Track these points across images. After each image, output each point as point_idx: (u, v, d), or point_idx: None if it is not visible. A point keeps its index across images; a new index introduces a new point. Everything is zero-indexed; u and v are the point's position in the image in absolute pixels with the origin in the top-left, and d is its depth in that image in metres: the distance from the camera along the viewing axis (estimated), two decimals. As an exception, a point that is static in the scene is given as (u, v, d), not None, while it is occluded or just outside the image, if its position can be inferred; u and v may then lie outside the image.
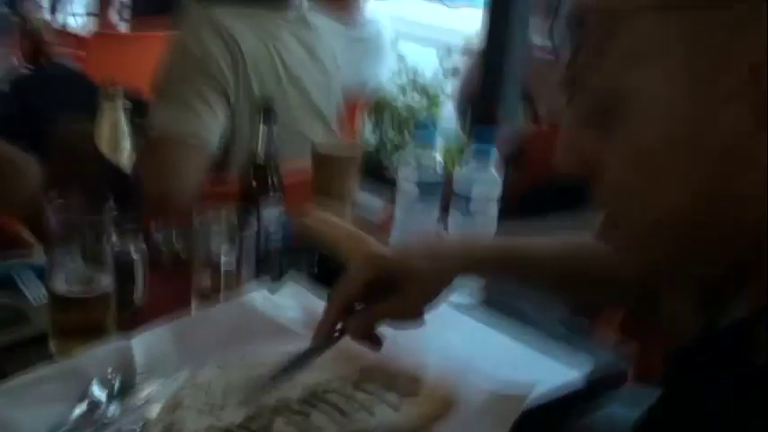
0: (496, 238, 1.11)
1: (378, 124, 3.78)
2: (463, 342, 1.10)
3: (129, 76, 1.43)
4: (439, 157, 1.30)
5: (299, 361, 0.90)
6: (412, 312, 0.92)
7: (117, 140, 1.02)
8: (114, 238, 0.95)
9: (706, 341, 0.59)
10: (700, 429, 0.56)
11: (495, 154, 1.26)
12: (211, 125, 1.44)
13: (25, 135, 1.40)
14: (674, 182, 0.55)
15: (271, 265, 1.16)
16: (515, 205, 1.32)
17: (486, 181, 1.25)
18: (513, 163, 2.05)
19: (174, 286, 1.07)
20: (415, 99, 3.91)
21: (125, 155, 1.03)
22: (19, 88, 2.08)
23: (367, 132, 3.59)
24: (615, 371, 1.09)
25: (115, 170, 1.02)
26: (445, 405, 0.92)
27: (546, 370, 1.05)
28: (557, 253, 0.97)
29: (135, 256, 0.96)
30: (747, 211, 0.53)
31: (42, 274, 1.10)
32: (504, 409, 0.89)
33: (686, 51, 0.53)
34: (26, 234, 1.34)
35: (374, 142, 3.77)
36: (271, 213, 1.19)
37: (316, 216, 1.34)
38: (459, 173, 1.26)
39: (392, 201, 1.35)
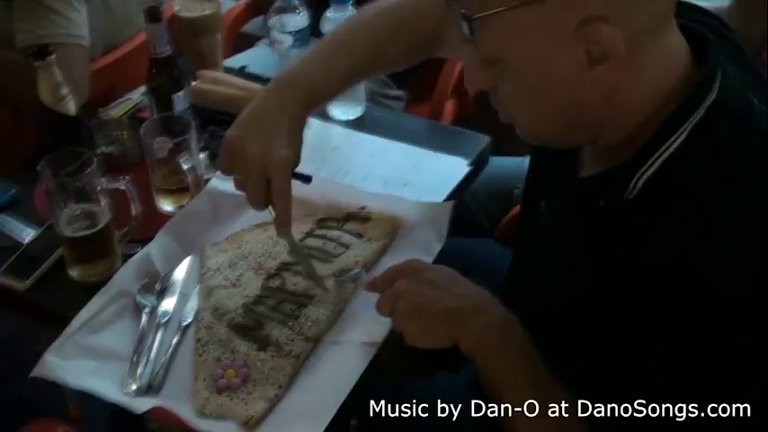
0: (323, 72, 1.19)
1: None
2: (375, 160, 1.39)
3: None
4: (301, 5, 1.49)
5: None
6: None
7: (59, 93, 1.16)
8: (102, 178, 1.13)
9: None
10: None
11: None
12: (79, 20, 1.52)
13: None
14: (543, 112, 0.86)
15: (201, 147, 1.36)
16: None
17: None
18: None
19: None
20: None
21: (68, 102, 1.17)
22: None
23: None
24: (484, 151, 1.44)
25: (64, 118, 1.17)
26: (394, 223, 1.23)
27: (444, 164, 1.38)
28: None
29: (123, 187, 1.15)
30: (592, 115, 0.85)
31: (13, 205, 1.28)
32: (439, 213, 1.23)
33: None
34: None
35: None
36: (183, 101, 1.37)
37: (206, 78, 1.52)
38: (324, 17, 1.47)
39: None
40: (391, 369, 1.32)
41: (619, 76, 0.81)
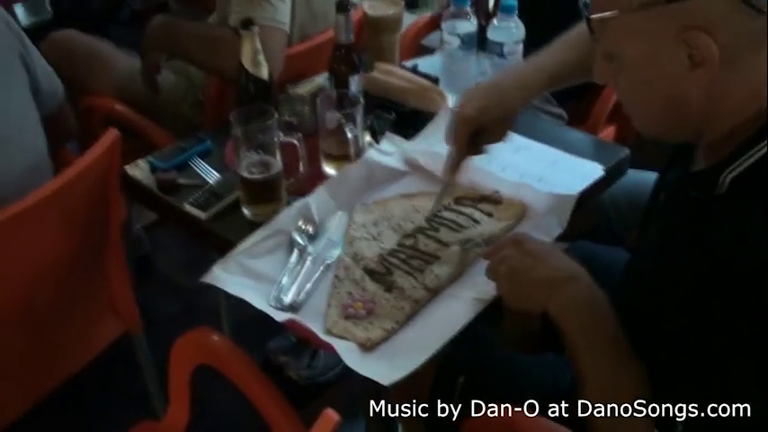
0: (533, 70, 1.44)
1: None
2: (518, 155, 1.53)
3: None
4: (472, 13, 1.67)
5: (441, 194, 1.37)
6: (500, 140, 1.39)
7: (257, 59, 1.39)
8: (280, 132, 1.35)
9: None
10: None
11: (516, 5, 1.63)
12: (284, 9, 1.78)
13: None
14: (652, 106, 0.99)
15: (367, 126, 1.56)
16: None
17: (512, 28, 1.63)
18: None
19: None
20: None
21: (263, 68, 1.41)
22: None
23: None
24: (622, 161, 1.55)
25: (258, 80, 1.40)
26: (522, 208, 1.38)
27: (581, 167, 1.50)
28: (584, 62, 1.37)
29: (295, 141, 1.36)
30: (693, 113, 0.96)
31: (207, 154, 1.53)
32: (563, 205, 1.36)
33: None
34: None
35: None
36: (357, 85, 1.58)
37: (381, 69, 1.72)
38: (491, 24, 1.64)
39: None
40: (505, 345, 1.47)
41: (717, 79, 0.92)
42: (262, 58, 1.41)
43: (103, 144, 1.52)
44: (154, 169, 1.54)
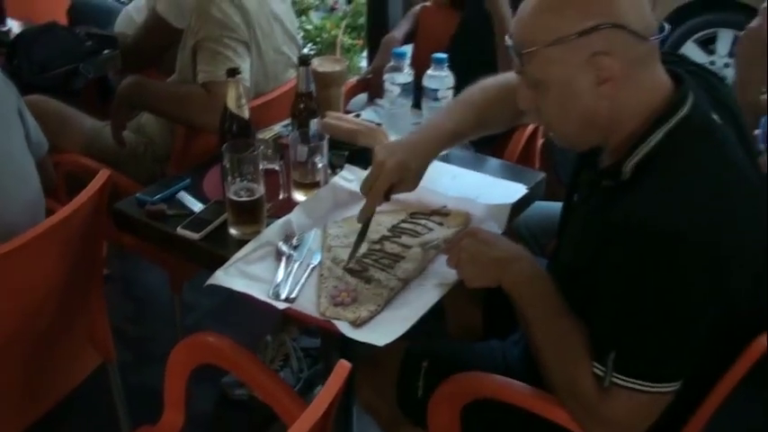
0: (439, 130, 1.62)
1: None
2: (456, 181, 1.83)
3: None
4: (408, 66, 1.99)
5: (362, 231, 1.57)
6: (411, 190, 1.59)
7: (240, 102, 1.65)
8: (263, 161, 1.60)
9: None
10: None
11: (446, 57, 1.96)
12: (245, 66, 2.05)
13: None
14: (570, 118, 1.30)
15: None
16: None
17: (444, 77, 1.95)
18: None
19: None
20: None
21: (245, 109, 1.66)
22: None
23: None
24: (540, 183, 1.87)
25: (240, 119, 1.66)
26: (467, 217, 1.67)
27: (508, 187, 1.81)
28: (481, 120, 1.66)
29: (277, 167, 1.62)
30: (602, 121, 1.28)
31: (188, 189, 1.76)
32: (499, 212, 1.66)
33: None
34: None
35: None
36: (316, 126, 1.85)
37: (332, 116, 2.00)
38: (426, 74, 1.96)
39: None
40: (457, 335, 1.74)
41: (618, 92, 1.25)
42: (244, 101, 1.66)
43: (96, 183, 1.73)
44: (141, 204, 1.75)
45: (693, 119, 1.26)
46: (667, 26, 1.32)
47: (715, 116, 1.29)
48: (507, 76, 1.50)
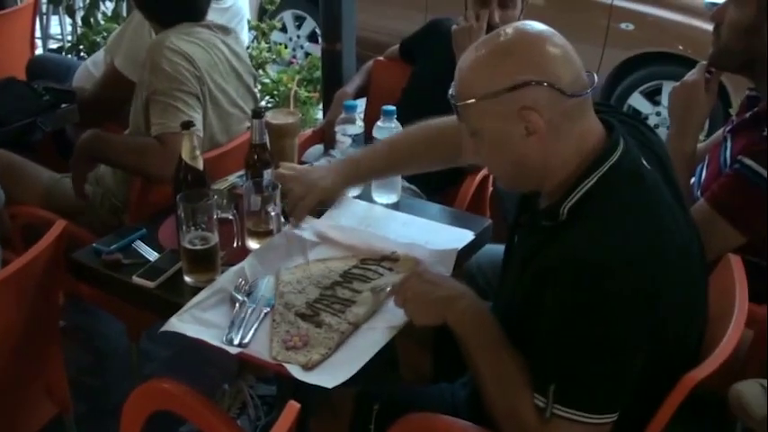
0: (353, 165, 1.90)
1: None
2: (406, 228, 1.90)
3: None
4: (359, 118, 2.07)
5: None
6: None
7: (194, 153, 1.71)
8: (217, 210, 1.65)
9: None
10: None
11: (395, 110, 2.04)
12: (197, 117, 2.10)
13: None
14: (504, 164, 1.39)
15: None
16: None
17: (392, 128, 2.03)
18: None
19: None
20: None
21: (199, 160, 1.72)
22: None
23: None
24: (486, 229, 1.94)
25: (195, 170, 1.71)
26: (415, 262, 1.73)
27: (455, 234, 1.87)
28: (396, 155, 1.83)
29: (230, 216, 1.67)
30: (534, 169, 1.37)
31: (143, 238, 1.79)
32: (447, 257, 1.72)
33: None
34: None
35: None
36: (270, 177, 1.91)
37: (285, 166, 2.06)
38: (375, 126, 2.03)
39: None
40: (409, 378, 1.79)
41: (547, 143, 1.33)
42: (198, 152, 1.72)
43: (52, 234, 1.76)
44: (98, 254, 1.79)
45: (624, 164, 1.35)
46: (596, 77, 1.40)
47: (644, 161, 1.38)
48: (453, 118, 1.60)
